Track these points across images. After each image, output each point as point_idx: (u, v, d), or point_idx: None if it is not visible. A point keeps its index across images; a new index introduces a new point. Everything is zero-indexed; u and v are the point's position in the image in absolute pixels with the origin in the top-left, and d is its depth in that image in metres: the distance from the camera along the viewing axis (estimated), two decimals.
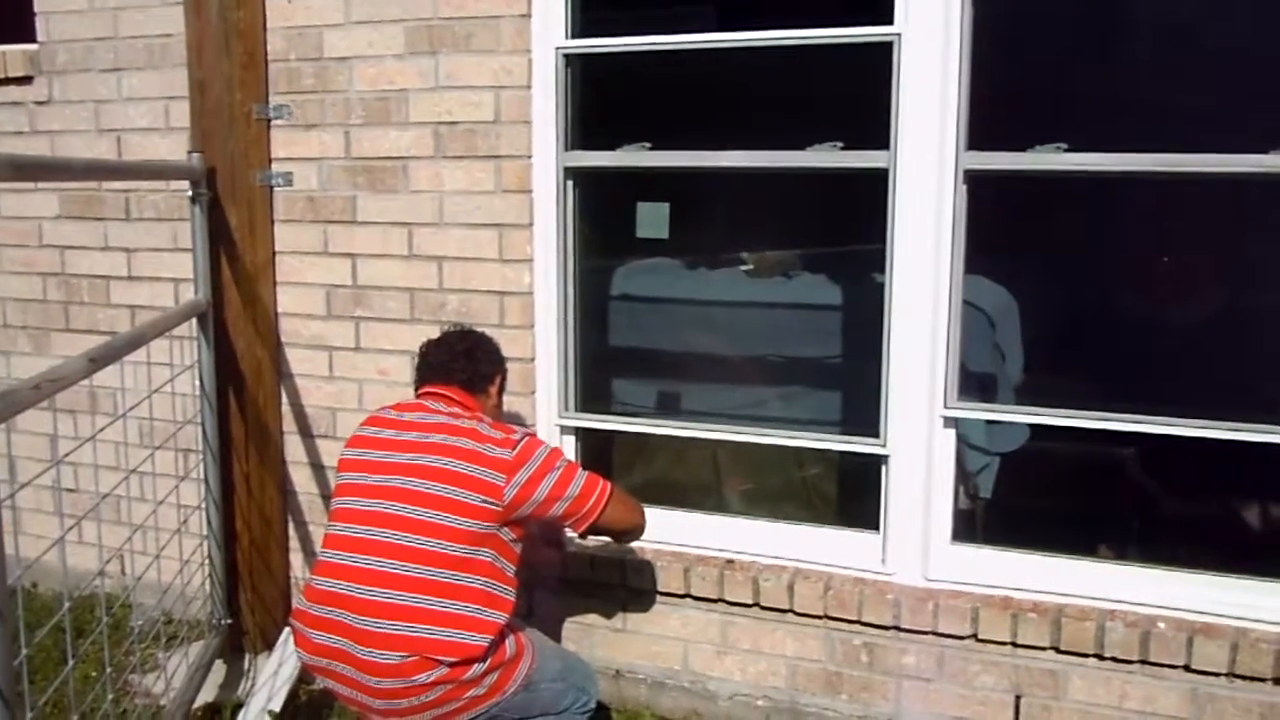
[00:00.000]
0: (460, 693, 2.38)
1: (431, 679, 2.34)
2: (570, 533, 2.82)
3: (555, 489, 2.49)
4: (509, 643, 2.48)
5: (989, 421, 3.32)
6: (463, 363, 2.73)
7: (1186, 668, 2.66)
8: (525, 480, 2.46)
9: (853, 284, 3.60)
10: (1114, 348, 3.58)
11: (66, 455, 2.57)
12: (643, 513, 2.74)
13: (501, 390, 2.84)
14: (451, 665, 2.34)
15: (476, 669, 2.37)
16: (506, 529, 2.49)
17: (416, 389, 2.77)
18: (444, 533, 2.41)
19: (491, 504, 2.44)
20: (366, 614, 2.37)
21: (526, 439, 2.53)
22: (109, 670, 2.56)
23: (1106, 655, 2.71)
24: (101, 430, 2.80)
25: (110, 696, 2.55)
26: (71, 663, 2.32)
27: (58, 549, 2.27)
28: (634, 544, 3.06)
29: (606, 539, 2.81)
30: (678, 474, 3.71)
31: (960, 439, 2.95)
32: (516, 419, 3.20)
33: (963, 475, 3.31)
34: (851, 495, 3.35)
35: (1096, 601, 2.79)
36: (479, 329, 2.89)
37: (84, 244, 3.71)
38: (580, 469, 2.59)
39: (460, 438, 2.50)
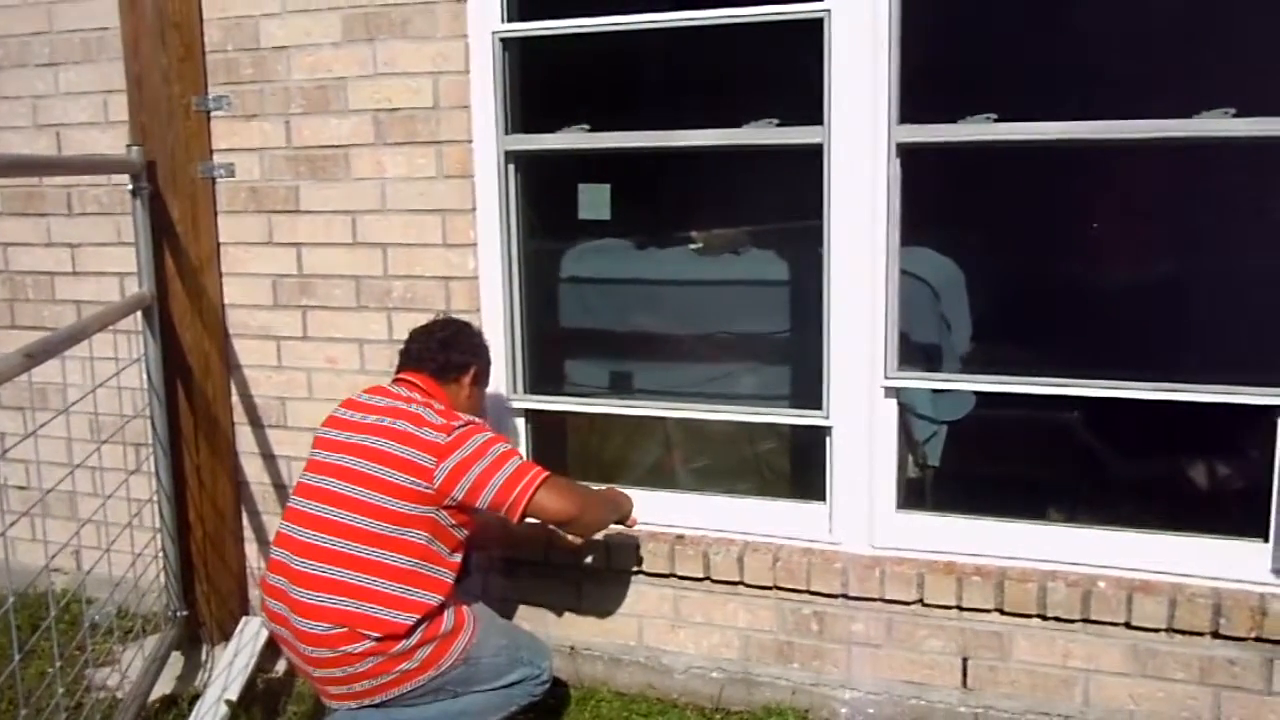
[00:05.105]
0: (391, 665, 2.43)
1: (360, 650, 2.39)
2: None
3: (481, 477, 2.49)
4: (447, 616, 2.51)
5: (936, 391, 3.37)
6: (435, 351, 2.75)
7: (1127, 625, 2.70)
8: (454, 465, 2.48)
9: (800, 259, 3.62)
10: (1057, 314, 3.63)
11: (7, 450, 2.56)
12: (588, 504, 2.68)
13: (476, 382, 2.83)
14: (377, 640, 2.38)
15: (404, 644, 2.41)
16: (445, 513, 2.51)
17: (395, 375, 2.80)
18: (373, 511, 2.45)
19: (421, 486, 2.46)
20: (300, 585, 2.45)
21: (466, 426, 2.55)
22: (59, 664, 2.56)
23: (1049, 615, 2.76)
24: (43, 425, 2.79)
25: (60, 690, 2.55)
26: (18, 657, 2.32)
27: (3, 546, 2.27)
28: None
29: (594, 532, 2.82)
30: (630, 452, 3.73)
31: (906, 408, 2.99)
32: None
33: (910, 444, 3.36)
34: (802, 468, 3.39)
35: (1038, 563, 2.83)
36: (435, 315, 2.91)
37: (26, 240, 3.68)
38: (514, 458, 2.55)
39: (400, 420, 2.53)
